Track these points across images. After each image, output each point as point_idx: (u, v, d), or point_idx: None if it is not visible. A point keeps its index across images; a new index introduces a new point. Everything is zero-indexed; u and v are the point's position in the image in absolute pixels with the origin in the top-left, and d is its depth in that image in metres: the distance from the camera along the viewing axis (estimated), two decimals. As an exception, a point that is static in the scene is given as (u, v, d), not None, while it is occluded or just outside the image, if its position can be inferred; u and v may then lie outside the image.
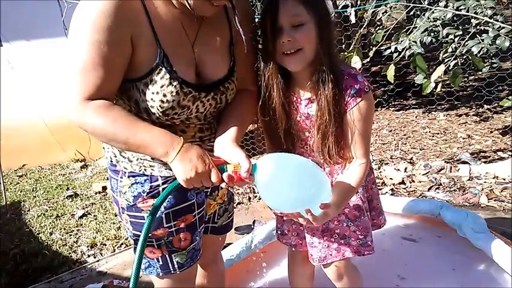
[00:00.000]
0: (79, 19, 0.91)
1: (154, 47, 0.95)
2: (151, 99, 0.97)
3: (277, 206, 1.08)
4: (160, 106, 0.98)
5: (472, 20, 2.59)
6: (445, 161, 3.20)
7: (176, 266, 1.16)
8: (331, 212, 1.07)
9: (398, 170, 3.15)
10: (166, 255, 1.14)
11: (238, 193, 3.07)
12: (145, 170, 1.08)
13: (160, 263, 1.15)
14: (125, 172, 1.09)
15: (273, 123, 1.18)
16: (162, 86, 0.96)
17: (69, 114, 0.94)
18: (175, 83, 0.96)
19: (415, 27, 2.77)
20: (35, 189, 3.72)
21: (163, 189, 1.09)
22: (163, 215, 1.10)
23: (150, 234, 1.10)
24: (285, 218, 1.27)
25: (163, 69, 0.95)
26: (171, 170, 1.07)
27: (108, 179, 1.25)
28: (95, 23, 0.88)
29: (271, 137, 1.23)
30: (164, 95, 0.96)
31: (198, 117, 1.08)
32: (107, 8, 0.88)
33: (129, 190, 1.10)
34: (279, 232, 1.47)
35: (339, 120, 1.11)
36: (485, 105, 4.18)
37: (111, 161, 1.12)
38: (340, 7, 3.45)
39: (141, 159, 1.07)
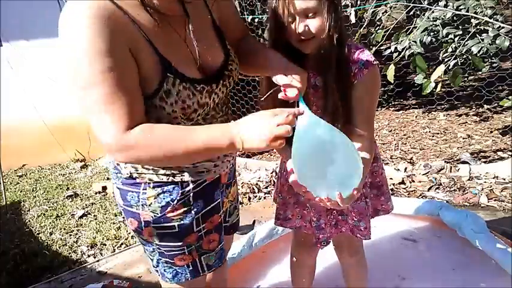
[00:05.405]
0: (73, 54, 0.82)
1: (154, 56, 0.90)
2: (173, 110, 0.93)
3: (309, 183, 0.94)
4: (183, 114, 0.94)
5: (472, 20, 2.59)
6: (445, 161, 3.19)
7: (205, 268, 1.15)
8: (358, 194, 1.03)
9: (398, 170, 3.14)
10: (197, 259, 1.13)
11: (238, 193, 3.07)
12: (173, 177, 1.04)
13: (190, 268, 1.13)
14: (149, 183, 1.04)
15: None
16: (177, 94, 0.92)
17: (114, 155, 0.88)
18: (187, 86, 0.94)
19: (415, 27, 2.77)
20: (35, 189, 3.72)
21: (194, 193, 1.08)
22: (194, 220, 1.08)
23: (181, 243, 1.08)
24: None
25: (172, 76, 0.92)
26: (201, 172, 1.07)
27: (107, 183, 1.23)
28: (91, 51, 0.80)
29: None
30: (183, 101, 0.93)
31: (216, 110, 1.07)
32: (95, 30, 0.80)
33: (155, 201, 1.05)
34: (281, 218, 1.46)
35: (346, 96, 1.12)
36: (485, 105, 4.17)
37: (131, 176, 1.05)
38: (340, 7, 3.45)
39: (168, 167, 1.04)
